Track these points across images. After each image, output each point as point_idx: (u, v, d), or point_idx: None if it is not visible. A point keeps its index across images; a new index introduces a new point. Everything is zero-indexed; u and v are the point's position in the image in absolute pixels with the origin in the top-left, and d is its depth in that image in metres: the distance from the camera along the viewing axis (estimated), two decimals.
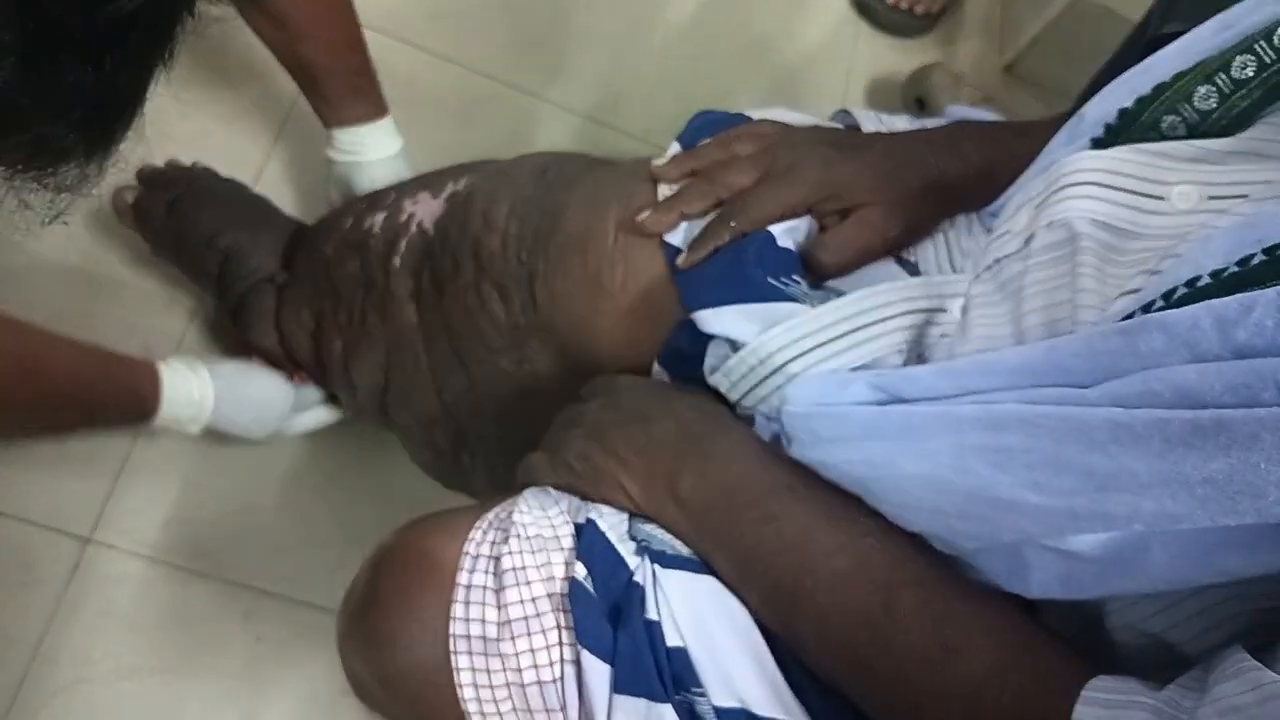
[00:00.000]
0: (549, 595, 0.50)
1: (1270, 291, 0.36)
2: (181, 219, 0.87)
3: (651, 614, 0.50)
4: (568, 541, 0.53)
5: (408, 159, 0.92)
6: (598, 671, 0.48)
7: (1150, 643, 0.43)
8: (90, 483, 0.89)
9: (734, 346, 0.58)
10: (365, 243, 0.78)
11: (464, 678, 0.49)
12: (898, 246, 0.62)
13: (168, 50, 0.38)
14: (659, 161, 0.68)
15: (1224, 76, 0.50)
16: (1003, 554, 0.44)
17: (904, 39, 1.43)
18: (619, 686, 0.48)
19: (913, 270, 0.63)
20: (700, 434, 0.56)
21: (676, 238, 0.64)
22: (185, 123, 1.01)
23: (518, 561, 0.51)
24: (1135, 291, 0.46)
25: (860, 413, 0.48)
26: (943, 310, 0.58)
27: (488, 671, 0.49)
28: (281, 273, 0.87)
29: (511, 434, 0.76)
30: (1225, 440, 0.34)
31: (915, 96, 1.34)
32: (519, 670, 0.49)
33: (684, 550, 0.54)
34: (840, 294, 0.59)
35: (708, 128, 0.71)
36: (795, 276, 0.58)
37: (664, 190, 0.66)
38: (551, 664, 0.49)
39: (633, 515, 0.57)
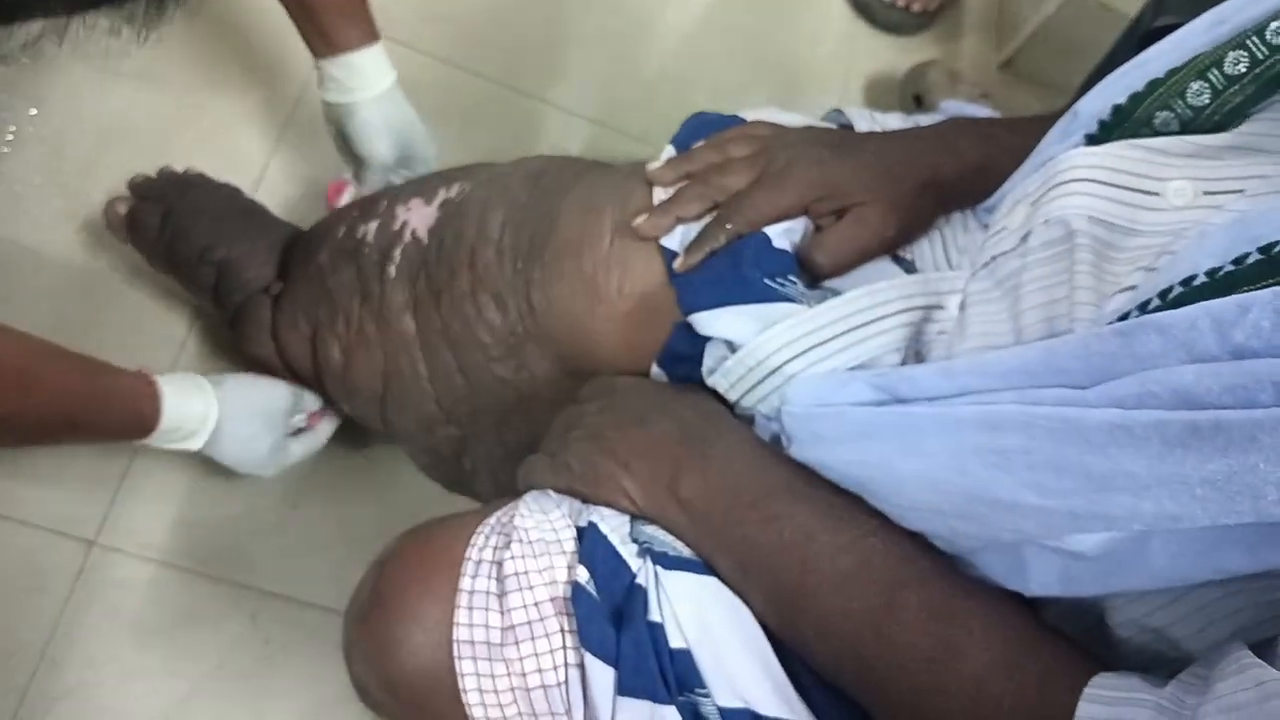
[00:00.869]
0: (551, 599, 0.50)
1: (1266, 293, 0.35)
2: (174, 233, 0.86)
3: (654, 616, 0.50)
4: (570, 545, 0.53)
5: (406, 99, 0.89)
6: (601, 674, 0.48)
7: (1152, 638, 0.43)
8: (95, 487, 0.89)
9: (731, 348, 0.58)
10: (359, 251, 0.78)
11: (468, 683, 0.49)
12: (894, 245, 0.62)
13: None
14: (654, 165, 0.67)
15: (1217, 72, 0.50)
16: (1002, 553, 0.45)
17: (901, 36, 1.43)
18: (623, 689, 0.48)
19: (909, 268, 0.63)
20: (700, 435, 0.56)
21: (673, 241, 0.64)
22: (189, 124, 1.01)
23: (520, 566, 0.51)
24: (1132, 289, 0.46)
25: (858, 413, 0.48)
26: (940, 308, 0.58)
27: (492, 676, 0.49)
28: (277, 282, 0.86)
29: (512, 439, 0.76)
30: (1223, 442, 0.34)
31: (913, 94, 1.33)
32: (523, 674, 0.49)
33: (686, 551, 0.54)
34: (837, 294, 0.59)
35: (702, 129, 0.71)
36: (792, 277, 0.58)
37: (659, 194, 0.66)
38: (555, 668, 0.49)
39: (634, 517, 0.56)
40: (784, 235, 0.61)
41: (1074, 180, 0.52)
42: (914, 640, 0.45)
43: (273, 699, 0.90)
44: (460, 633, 0.49)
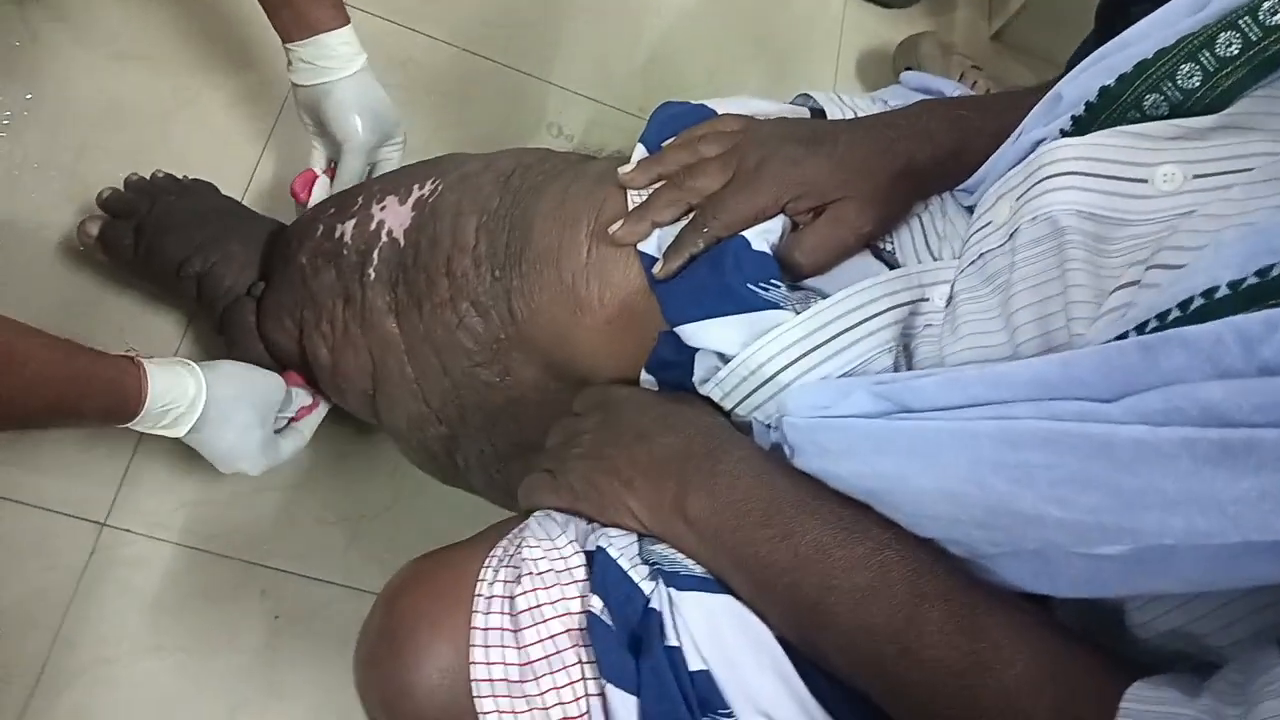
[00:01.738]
0: (567, 631, 0.49)
1: None
2: (148, 250, 0.84)
3: (671, 640, 0.48)
4: (580, 573, 0.51)
5: (375, 80, 0.87)
6: (624, 704, 0.47)
7: (1172, 637, 0.42)
8: (104, 468, 0.88)
9: (722, 358, 0.56)
10: (339, 253, 0.76)
11: None
12: (872, 238, 0.60)
13: None
14: (625, 169, 0.65)
15: (1208, 54, 0.48)
16: (1026, 558, 0.43)
17: (894, 9, 1.42)
18: (646, 716, 0.47)
19: (890, 259, 0.61)
20: (704, 451, 0.54)
21: (650, 246, 0.62)
22: (185, 105, 1.00)
23: (532, 600, 0.49)
24: (1132, 285, 0.45)
25: (867, 426, 0.46)
26: (925, 299, 0.57)
27: (514, 713, 0.48)
28: (258, 283, 0.84)
29: (502, 439, 0.74)
30: (1255, 461, 0.33)
31: (905, 66, 1.33)
32: (545, 709, 0.48)
33: (697, 569, 0.52)
34: (820, 293, 0.57)
35: (670, 122, 0.68)
36: (775, 280, 0.56)
37: (633, 197, 0.64)
38: (577, 699, 0.48)
39: (641, 535, 0.55)
40: (762, 236, 0.59)
41: (1058, 174, 0.50)
42: (940, 655, 0.43)
43: (283, 673, 0.90)
44: (478, 671, 0.48)
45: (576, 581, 0.51)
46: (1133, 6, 0.97)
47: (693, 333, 0.57)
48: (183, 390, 0.73)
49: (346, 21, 0.83)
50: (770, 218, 0.60)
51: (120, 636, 0.86)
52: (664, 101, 0.70)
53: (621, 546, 0.53)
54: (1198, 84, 0.48)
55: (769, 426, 0.55)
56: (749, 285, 0.56)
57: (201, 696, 0.87)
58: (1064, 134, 0.53)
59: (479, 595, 0.50)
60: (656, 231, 0.62)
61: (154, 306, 0.93)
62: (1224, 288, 0.38)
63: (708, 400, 0.58)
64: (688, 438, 0.55)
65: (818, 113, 0.71)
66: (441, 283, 0.69)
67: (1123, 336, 0.41)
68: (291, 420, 0.85)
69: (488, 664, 0.48)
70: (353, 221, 0.77)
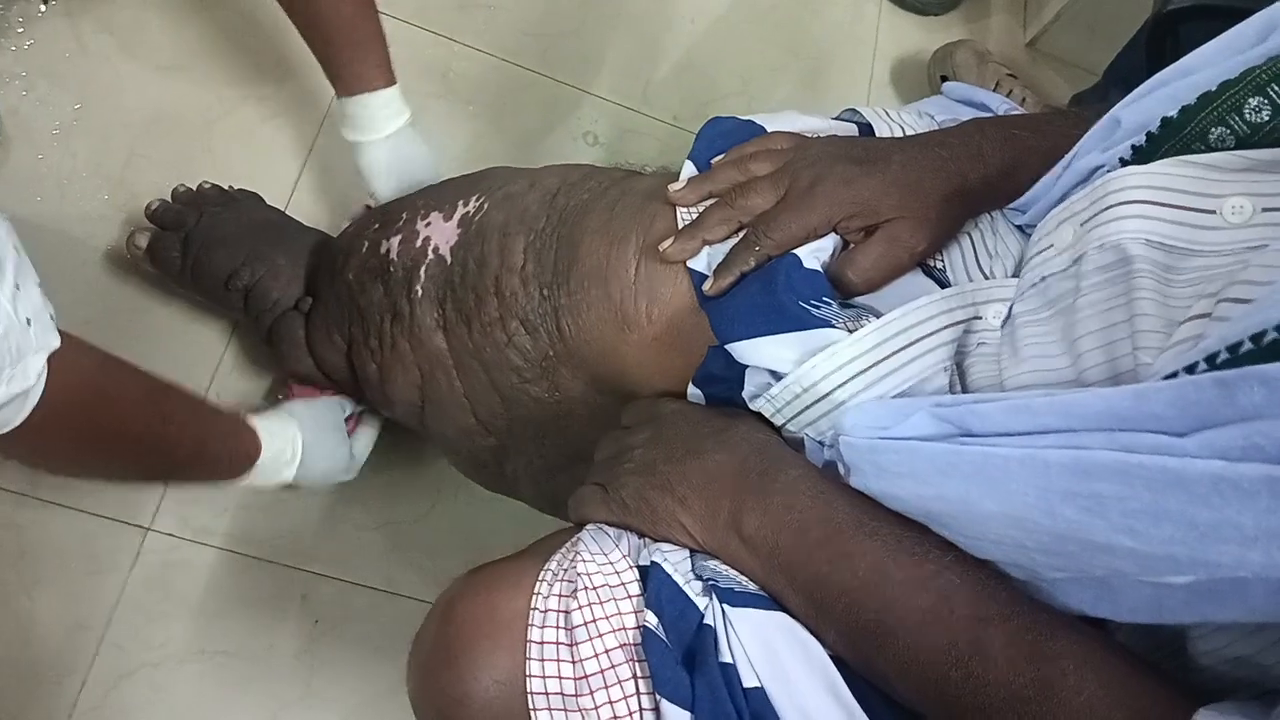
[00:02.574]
0: (621, 646, 0.49)
1: None
2: (196, 263, 0.85)
3: (725, 656, 0.48)
4: (634, 588, 0.51)
5: (418, 137, 0.88)
6: (678, 719, 0.47)
7: (1237, 664, 0.42)
8: None
9: (774, 374, 0.55)
10: (385, 269, 0.76)
11: None
12: (924, 257, 0.60)
13: None
14: (675, 186, 0.65)
15: (1277, 88, 0.47)
16: (1088, 583, 0.43)
17: (929, 17, 1.42)
18: None
19: (940, 278, 0.60)
20: (759, 469, 0.54)
21: (700, 263, 0.61)
22: (227, 120, 1.01)
23: (587, 615, 0.49)
24: (1202, 317, 0.44)
25: (931, 449, 0.46)
26: (979, 318, 0.56)
27: None
28: (306, 299, 0.85)
29: (551, 451, 0.74)
30: None
31: (940, 74, 1.31)
32: None
33: (751, 586, 0.52)
34: (872, 311, 0.57)
35: (719, 139, 0.67)
36: (826, 298, 0.56)
37: (683, 215, 0.63)
38: (631, 714, 0.48)
39: (694, 551, 0.55)
40: (813, 255, 0.58)
41: (1127, 202, 0.50)
42: (1004, 681, 0.43)
43: (323, 677, 0.90)
44: (534, 684, 0.48)
45: (630, 597, 0.51)
46: (1181, 25, 0.96)
47: (744, 350, 0.56)
48: (285, 434, 0.77)
49: (390, 83, 0.84)
50: (822, 236, 0.59)
51: (165, 640, 0.87)
52: (712, 117, 0.69)
53: (675, 562, 0.53)
54: (1267, 118, 0.48)
55: (822, 444, 0.54)
56: (801, 303, 0.55)
57: (243, 700, 0.88)
58: (1124, 162, 0.53)
59: (534, 609, 0.50)
60: (706, 249, 0.62)
61: (200, 316, 0.94)
62: (1272, 331, 0.38)
63: (758, 416, 0.58)
64: (742, 455, 0.55)
65: (865, 129, 0.70)
66: (490, 302, 0.69)
67: (1192, 368, 0.41)
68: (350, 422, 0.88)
69: (543, 677, 0.48)
70: (398, 238, 0.77)
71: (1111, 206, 0.50)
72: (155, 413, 0.63)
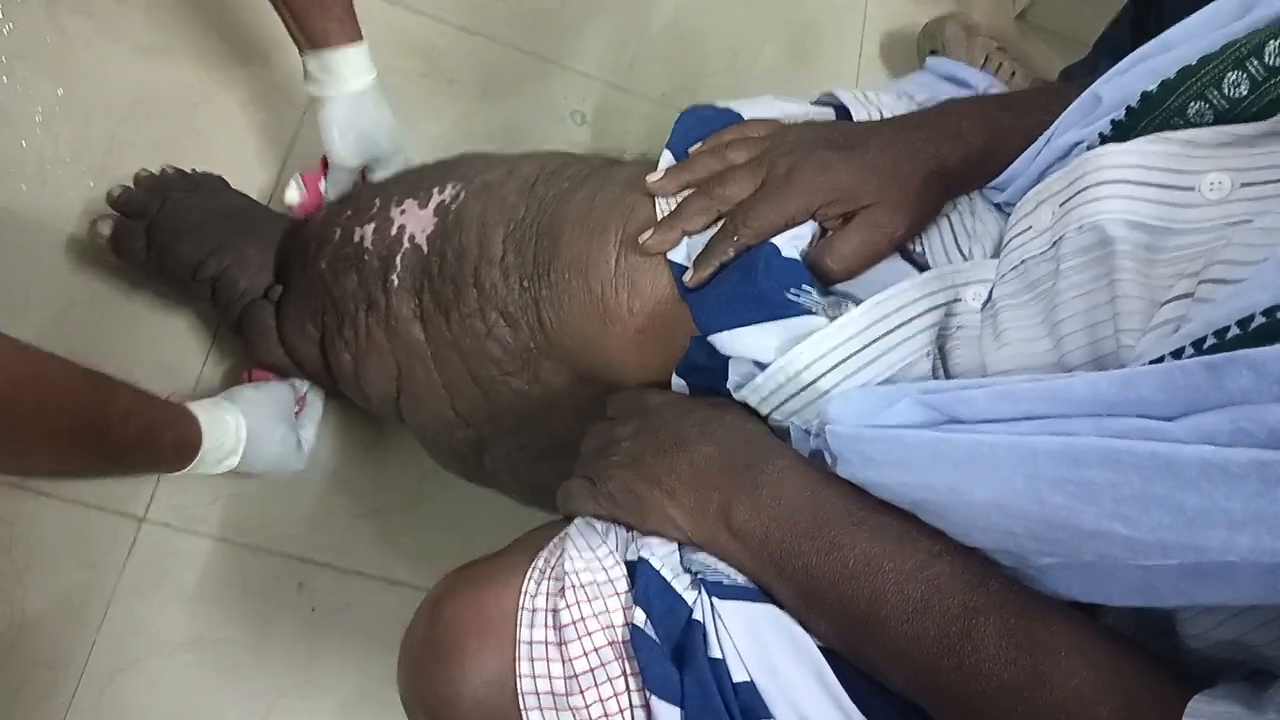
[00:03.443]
0: (611, 643, 0.49)
1: None
2: (160, 252, 0.82)
3: (715, 651, 0.48)
4: (622, 585, 0.51)
5: (383, 101, 0.86)
6: (668, 715, 0.47)
7: (1225, 646, 0.42)
8: None
9: (758, 364, 0.55)
10: (360, 258, 0.74)
11: None
12: (904, 241, 0.59)
13: None
14: (653, 176, 0.64)
15: (1256, 62, 0.46)
16: (1077, 569, 0.42)
17: None
18: None
19: (919, 261, 0.60)
20: (747, 461, 0.53)
21: (680, 254, 0.61)
22: (209, 103, 0.99)
23: (576, 613, 0.49)
24: (1184, 298, 0.44)
25: (917, 437, 0.45)
26: (958, 300, 0.56)
27: None
28: (275, 287, 0.83)
29: (531, 443, 0.74)
30: None
31: (930, 48, 1.31)
32: None
33: (740, 578, 0.52)
34: (851, 297, 0.56)
35: (696, 127, 0.67)
36: (806, 286, 0.55)
37: (662, 205, 0.63)
38: (621, 711, 0.48)
39: (682, 544, 0.54)
40: (792, 243, 0.58)
41: (1106, 182, 0.49)
42: (996, 670, 0.43)
43: (320, 664, 0.90)
44: (525, 684, 0.48)
45: (619, 593, 0.51)
46: None
47: (726, 340, 0.56)
48: (226, 423, 0.75)
49: (354, 39, 0.82)
50: (800, 224, 0.59)
51: (161, 629, 0.87)
52: (690, 106, 0.69)
53: (663, 556, 0.52)
54: (1245, 93, 0.47)
55: (808, 432, 0.54)
56: (781, 292, 0.55)
57: (241, 687, 0.88)
58: (1104, 138, 0.52)
59: (523, 608, 0.50)
60: (685, 240, 0.61)
61: (181, 307, 0.93)
62: (1259, 316, 0.38)
63: (744, 405, 0.57)
64: (729, 447, 0.55)
65: (842, 112, 0.69)
66: (469, 293, 0.69)
67: (1179, 352, 0.40)
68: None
69: (533, 676, 0.48)
70: (372, 225, 0.75)
71: (1089, 187, 0.50)
72: (94, 405, 0.62)
